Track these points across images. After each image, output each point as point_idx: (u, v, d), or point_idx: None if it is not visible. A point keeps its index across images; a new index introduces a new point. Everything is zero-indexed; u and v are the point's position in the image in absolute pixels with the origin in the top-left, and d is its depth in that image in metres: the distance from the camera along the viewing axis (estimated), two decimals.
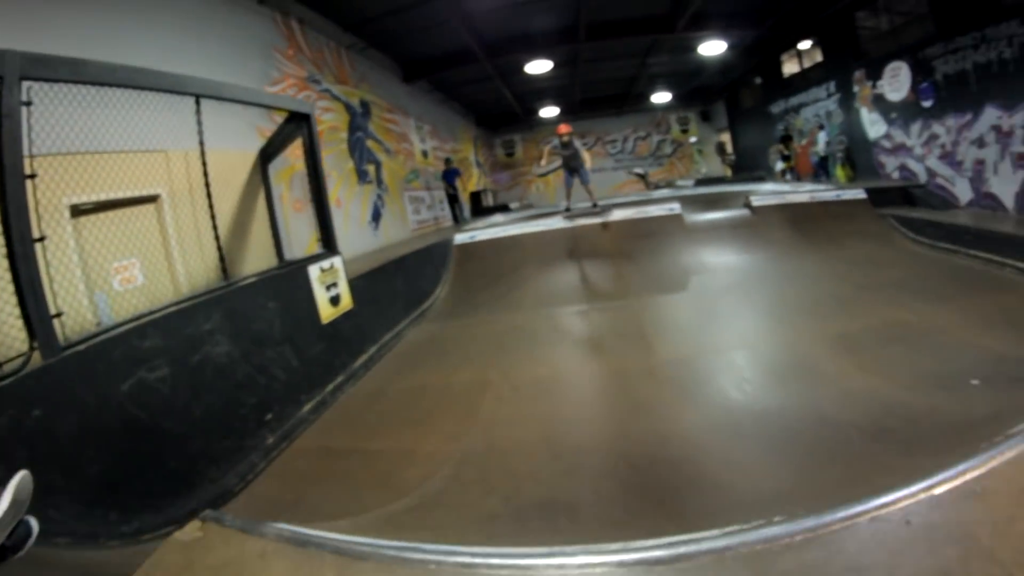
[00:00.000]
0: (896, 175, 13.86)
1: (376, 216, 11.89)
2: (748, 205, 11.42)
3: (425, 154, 16.73)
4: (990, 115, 10.76)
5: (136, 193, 5.70)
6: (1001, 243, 8.42)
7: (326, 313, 5.97)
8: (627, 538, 2.07)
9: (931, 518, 1.73)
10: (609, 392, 5.26)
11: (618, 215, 11.23)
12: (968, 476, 1.83)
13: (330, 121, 10.85)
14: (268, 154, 7.51)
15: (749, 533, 1.84)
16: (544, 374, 5.83)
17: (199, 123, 5.10)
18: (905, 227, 10.44)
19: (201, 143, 5.15)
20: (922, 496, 1.83)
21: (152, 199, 6.02)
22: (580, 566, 1.89)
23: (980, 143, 11.09)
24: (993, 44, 10.55)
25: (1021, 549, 1.49)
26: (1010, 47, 10.18)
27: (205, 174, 5.27)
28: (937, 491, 1.82)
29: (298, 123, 6.62)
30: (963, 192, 11.72)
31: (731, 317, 7.20)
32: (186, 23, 7.51)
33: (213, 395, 4.28)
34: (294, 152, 7.60)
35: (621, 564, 1.88)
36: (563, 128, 11.51)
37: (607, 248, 10.53)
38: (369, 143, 12.50)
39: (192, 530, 2.19)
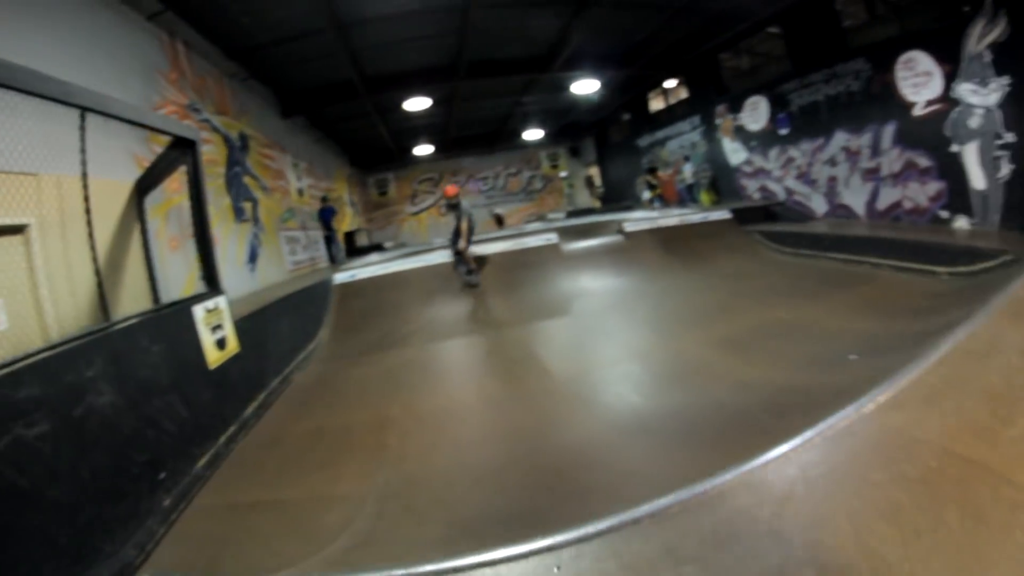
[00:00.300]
0: (757, 196, 15.76)
1: (253, 256, 11.17)
2: (621, 231, 12.07)
3: (301, 192, 16.10)
4: (840, 138, 12.81)
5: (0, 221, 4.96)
6: (856, 244, 9.91)
7: (213, 357, 5.45)
8: None
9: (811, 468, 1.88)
10: (514, 413, 5.24)
11: (498, 247, 11.48)
12: (837, 427, 2.23)
13: (208, 154, 10.14)
14: (145, 185, 6.86)
15: (657, 502, 2.14)
16: (444, 404, 5.76)
17: (83, 140, 4.61)
18: (769, 240, 11.78)
19: (83, 163, 4.68)
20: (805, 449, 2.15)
21: (19, 229, 5.24)
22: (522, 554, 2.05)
23: (832, 162, 13.16)
24: (841, 79, 12.59)
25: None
26: (856, 80, 12.20)
27: (86, 199, 4.83)
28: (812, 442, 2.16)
29: (183, 150, 6.02)
30: (819, 206, 13.78)
31: (618, 334, 7.58)
32: (72, 33, 6.88)
33: (101, 453, 3.72)
34: (171, 185, 7.09)
35: (552, 547, 2.07)
36: (450, 190, 11.24)
37: (489, 279, 10.63)
38: (246, 179, 11.82)
39: None
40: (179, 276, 7.64)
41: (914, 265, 8.36)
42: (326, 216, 17.15)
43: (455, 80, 16.28)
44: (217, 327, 5.71)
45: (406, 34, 13.11)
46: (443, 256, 11.35)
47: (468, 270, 10.74)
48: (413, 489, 3.93)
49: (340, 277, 10.49)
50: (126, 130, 5.35)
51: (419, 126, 22.39)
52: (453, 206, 11.07)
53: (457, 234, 10.80)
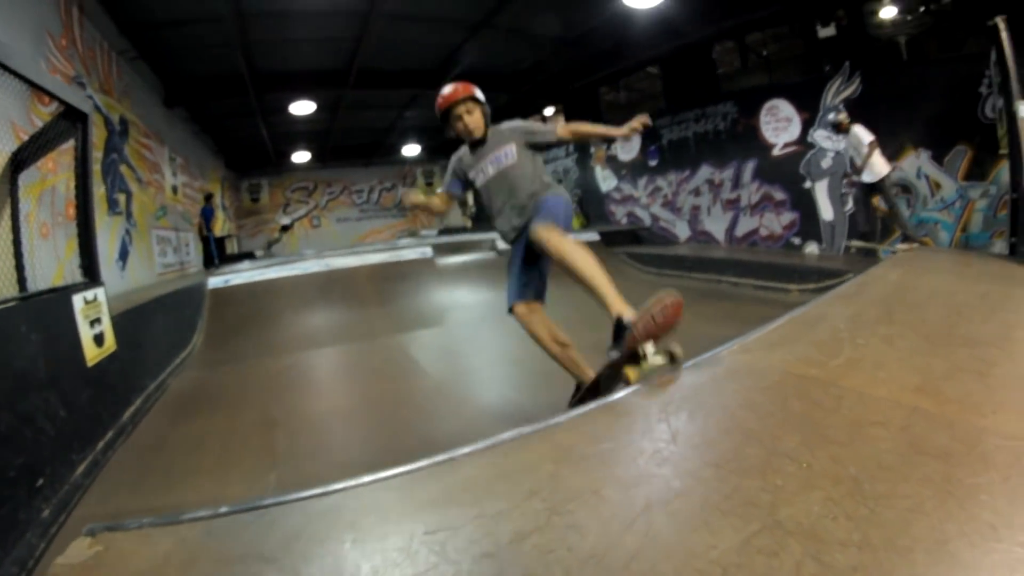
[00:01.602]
0: (624, 221, 16.95)
1: (124, 254, 10.34)
2: (495, 248, 12.32)
3: (175, 190, 15.22)
4: (705, 171, 14.31)
5: None
6: (717, 266, 11.32)
7: (91, 354, 5.07)
8: None
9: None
10: (397, 411, 5.39)
11: (373, 259, 11.63)
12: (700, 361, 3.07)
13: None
14: (21, 160, 5.80)
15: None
16: (329, 407, 5.85)
17: None
18: (635, 261, 13.01)
19: None
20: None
21: None
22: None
23: (696, 193, 14.67)
24: (711, 118, 14.02)
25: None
26: (724, 121, 13.67)
27: None
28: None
29: (72, 123, 5.42)
30: (682, 232, 15.30)
31: (494, 341, 7.81)
32: None
33: None
34: (45, 164, 6.45)
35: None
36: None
37: (365, 290, 10.70)
38: (123, 168, 10.94)
39: (81, 549, 1.85)
40: (47, 268, 6.85)
41: (770, 283, 9.71)
42: (207, 215, 16.49)
43: (344, 87, 16.19)
44: (96, 321, 5.35)
45: (304, 33, 12.98)
46: (317, 265, 11.31)
47: None
48: (309, 484, 3.96)
49: (214, 282, 10.17)
50: (7, 93, 4.77)
51: (300, 131, 21.99)
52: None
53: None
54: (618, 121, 4.04)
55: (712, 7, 12.55)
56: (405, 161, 29.62)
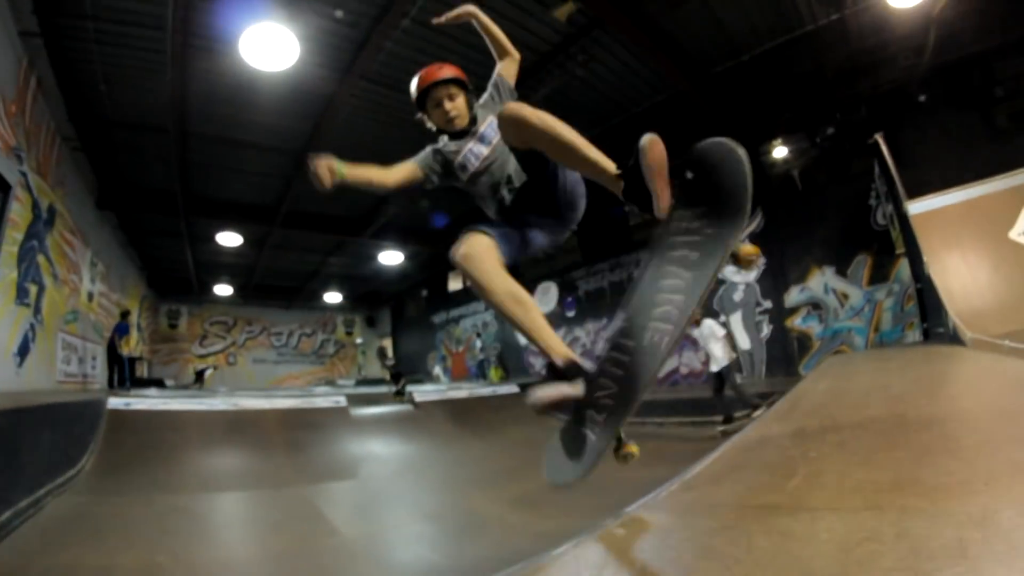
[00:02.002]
0: (544, 372, 16.37)
1: (24, 350, 9.51)
2: (412, 401, 12.08)
3: (91, 297, 14.43)
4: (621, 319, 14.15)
5: None
6: (640, 409, 10.48)
7: None
8: None
9: None
10: (302, 571, 4.87)
11: (284, 403, 11.13)
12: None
13: (12, 213, 8.62)
14: None
15: None
16: (222, 557, 5.25)
17: None
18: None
19: None
20: None
21: None
22: None
23: None
24: (625, 267, 15.12)
25: None
26: (637, 267, 13.68)
27: None
28: None
29: None
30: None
31: (410, 496, 7.64)
32: None
33: None
34: None
35: None
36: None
37: (274, 435, 10.09)
38: (40, 259, 10.28)
39: None
40: None
41: (694, 418, 9.80)
42: (122, 332, 15.64)
43: (272, 223, 16.31)
44: None
45: (241, 164, 13.20)
46: (225, 403, 10.70)
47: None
48: None
49: (115, 403, 9.38)
50: None
51: (225, 263, 21.82)
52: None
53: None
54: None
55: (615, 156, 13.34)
56: (327, 308, 29.62)
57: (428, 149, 3.56)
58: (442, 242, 18.26)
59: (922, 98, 10.48)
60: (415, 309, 27.30)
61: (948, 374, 4.92)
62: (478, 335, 20.97)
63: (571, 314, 16.76)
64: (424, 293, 25.68)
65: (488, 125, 3.34)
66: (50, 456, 6.83)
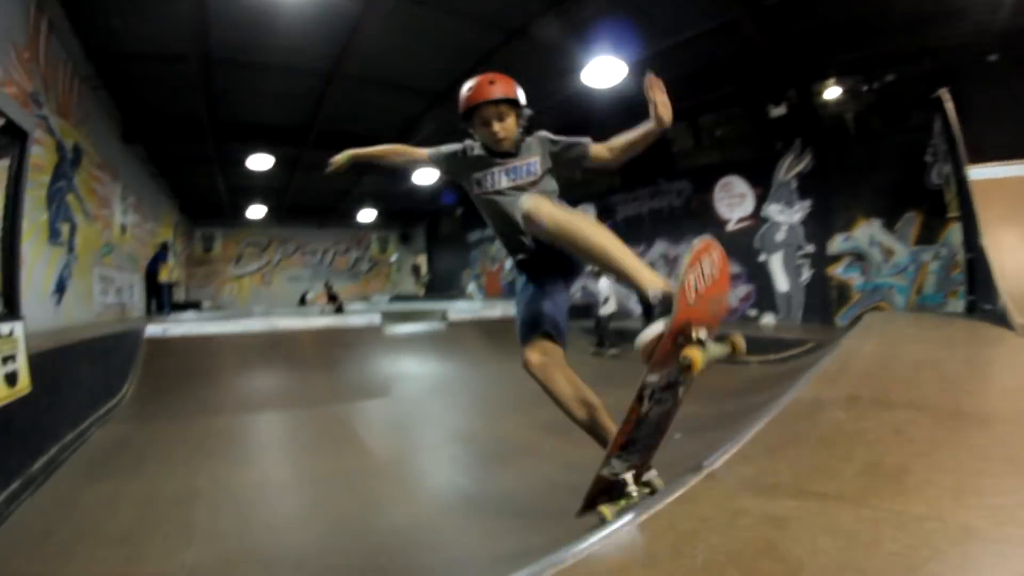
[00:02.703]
0: (578, 295, 16.63)
1: (61, 288, 9.63)
2: (445, 319, 12.09)
3: (124, 229, 14.52)
4: (660, 247, 14.90)
5: None
6: None
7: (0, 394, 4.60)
8: None
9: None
10: (334, 493, 4.94)
11: (320, 323, 11.34)
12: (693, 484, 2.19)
13: (36, 157, 8.48)
14: None
15: None
16: (259, 479, 5.36)
17: None
18: (589, 334, 12.93)
19: None
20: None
21: None
22: None
23: (651, 268, 14.04)
24: (666, 195, 14.76)
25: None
26: (679, 197, 14.43)
27: None
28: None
29: (11, 139, 5.01)
30: (636, 306, 15.17)
31: (441, 417, 7.66)
32: None
33: None
34: None
35: None
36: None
37: (309, 355, 10.28)
38: (70, 198, 10.27)
39: None
40: None
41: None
42: (161, 260, 15.92)
43: (303, 145, 16.04)
44: (9, 358, 4.83)
45: (267, 86, 12.88)
46: (261, 324, 10.88)
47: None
48: (226, 573, 3.57)
49: (152, 331, 9.58)
50: None
51: (257, 187, 21.69)
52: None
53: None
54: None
55: (668, 88, 12.67)
56: (361, 226, 29.53)
57: (449, 150, 3.44)
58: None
59: (993, 58, 9.74)
60: (450, 227, 27.03)
61: (1000, 362, 4.71)
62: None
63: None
64: (459, 211, 25.33)
65: (528, 165, 3.23)
66: (92, 388, 7.07)
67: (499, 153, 3.23)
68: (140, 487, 4.97)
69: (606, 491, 2.78)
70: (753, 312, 12.79)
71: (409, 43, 11.63)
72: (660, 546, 1.80)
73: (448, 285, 25.58)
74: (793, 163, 12.28)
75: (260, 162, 17.16)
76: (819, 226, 11.99)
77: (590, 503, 2.81)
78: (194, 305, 19.21)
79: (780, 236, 12.53)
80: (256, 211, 25.25)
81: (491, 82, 3.16)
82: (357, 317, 12.23)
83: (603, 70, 11.58)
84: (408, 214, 28.57)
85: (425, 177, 19.29)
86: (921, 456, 2.34)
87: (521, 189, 3.11)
